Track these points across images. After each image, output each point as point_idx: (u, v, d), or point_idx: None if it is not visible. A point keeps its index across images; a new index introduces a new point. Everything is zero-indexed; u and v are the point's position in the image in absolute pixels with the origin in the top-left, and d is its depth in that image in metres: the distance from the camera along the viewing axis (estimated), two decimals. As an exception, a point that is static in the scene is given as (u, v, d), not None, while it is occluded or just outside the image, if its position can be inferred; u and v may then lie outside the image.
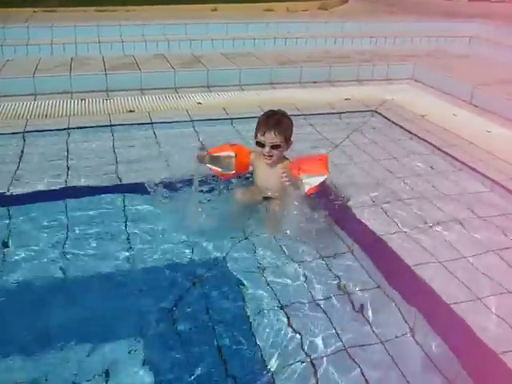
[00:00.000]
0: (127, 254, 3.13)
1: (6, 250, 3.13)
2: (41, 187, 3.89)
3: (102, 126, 5.05)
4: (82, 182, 3.98)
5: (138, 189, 3.84)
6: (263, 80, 6.80)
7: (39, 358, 2.38)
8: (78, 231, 3.33)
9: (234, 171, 3.63)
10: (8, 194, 3.82)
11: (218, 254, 3.14)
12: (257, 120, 3.51)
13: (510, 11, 10.96)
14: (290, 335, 2.53)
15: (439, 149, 4.72)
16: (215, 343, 2.47)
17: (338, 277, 2.96)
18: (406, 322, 2.65)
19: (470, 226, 3.51)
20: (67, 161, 4.34)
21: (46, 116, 5.42)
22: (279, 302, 2.76)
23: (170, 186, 3.86)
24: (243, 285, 2.88)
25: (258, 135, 3.43)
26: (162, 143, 4.78)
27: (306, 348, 2.47)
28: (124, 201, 3.71)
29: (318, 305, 2.74)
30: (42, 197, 3.76)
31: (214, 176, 3.80)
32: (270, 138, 3.37)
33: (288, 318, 2.64)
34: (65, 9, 9.73)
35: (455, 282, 2.93)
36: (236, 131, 5.08)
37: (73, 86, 6.22)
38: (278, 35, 8.39)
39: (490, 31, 8.70)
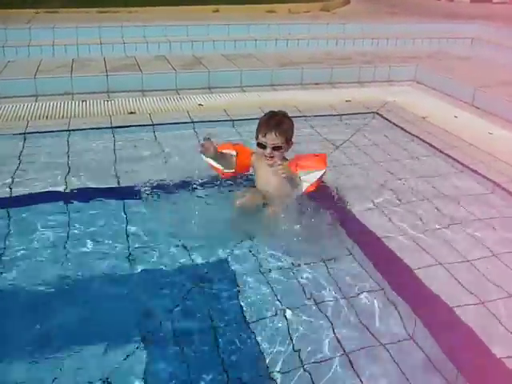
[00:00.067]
0: (127, 256, 3.12)
1: (4, 251, 3.12)
2: (41, 189, 3.89)
3: (103, 128, 5.04)
4: (83, 184, 3.98)
5: (138, 191, 3.83)
6: (264, 81, 6.81)
7: (38, 361, 2.38)
8: (77, 233, 3.32)
9: (234, 170, 3.63)
10: (8, 195, 3.81)
11: (219, 257, 3.13)
12: (258, 121, 3.51)
13: (511, 12, 10.94)
14: (290, 338, 2.52)
15: (440, 151, 4.71)
16: (216, 345, 2.47)
17: (338, 278, 2.96)
18: (407, 324, 2.64)
19: (472, 228, 3.50)
20: (68, 162, 4.34)
21: (47, 117, 5.42)
22: (280, 304, 2.75)
23: (170, 187, 3.85)
24: (244, 287, 2.87)
25: (259, 136, 3.42)
26: (163, 145, 4.77)
27: (306, 351, 2.45)
28: (124, 203, 3.70)
29: (319, 307, 2.74)
30: (42, 198, 3.75)
31: (214, 178, 3.80)
32: (271, 139, 3.37)
33: (289, 320, 2.64)
34: (67, 10, 9.76)
35: (456, 284, 2.91)
36: (237, 133, 5.07)
37: (74, 87, 6.23)
38: (280, 36, 8.39)
39: (491, 33, 8.69)
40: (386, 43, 8.59)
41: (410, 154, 4.75)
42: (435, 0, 14.15)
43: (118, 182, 4.02)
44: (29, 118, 5.34)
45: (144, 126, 5.14)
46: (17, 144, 4.67)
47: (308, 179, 3.51)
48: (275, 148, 3.39)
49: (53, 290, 2.84)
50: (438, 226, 3.51)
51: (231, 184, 3.82)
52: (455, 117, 5.75)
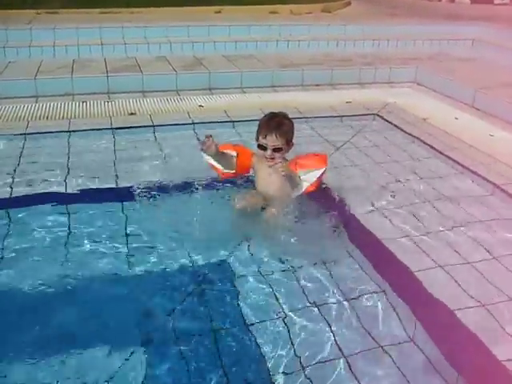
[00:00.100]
0: (127, 258, 3.12)
1: (3, 252, 3.12)
2: (40, 189, 3.89)
3: (103, 129, 5.03)
4: (83, 185, 3.98)
5: (137, 192, 3.82)
6: (265, 83, 6.80)
7: (38, 362, 2.37)
8: (77, 234, 3.32)
9: (234, 171, 3.63)
10: (8, 195, 3.81)
11: (219, 259, 3.12)
12: (258, 122, 3.51)
13: (513, 14, 10.95)
14: (291, 340, 2.52)
15: (441, 152, 4.70)
16: (216, 348, 2.46)
17: (338, 281, 2.95)
18: (407, 326, 2.63)
19: (472, 230, 3.49)
20: (68, 163, 4.34)
21: (47, 118, 5.42)
22: (281, 306, 2.74)
23: (170, 188, 3.85)
24: (244, 289, 2.87)
25: (260, 138, 3.42)
26: (163, 146, 4.77)
27: (307, 354, 2.45)
28: (124, 204, 3.70)
29: (319, 310, 2.73)
30: (41, 199, 3.75)
31: (214, 179, 3.80)
32: (272, 140, 3.37)
33: (289, 323, 2.63)
34: (67, 10, 9.76)
35: (457, 286, 2.90)
36: (237, 134, 5.07)
37: (74, 88, 6.23)
38: (281, 38, 8.40)
39: (492, 34, 8.68)
40: (387, 44, 8.58)
41: (410, 155, 4.74)
42: (436, 1, 14.15)
43: (118, 183, 4.02)
44: (29, 119, 5.34)
45: (144, 127, 5.14)
46: (17, 144, 4.66)
47: (308, 178, 3.51)
48: (276, 150, 3.39)
49: (52, 291, 2.83)
50: (438, 228, 3.50)
51: (231, 185, 3.82)
52: (456, 118, 5.74)
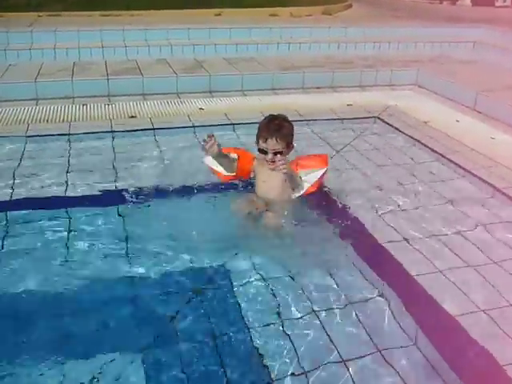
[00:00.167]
0: (126, 262, 3.10)
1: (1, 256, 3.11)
2: (40, 193, 3.88)
3: (103, 132, 5.02)
4: (82, 188, 3.96)
5: (137, 195, 3.81)
6: (265, 85, 6.79)
7: (35, 370, 2.35)
8: (76, 239, 3.30)
9: (234, 173, 3.62)
10: (7, 198, 3.80)
11: (218, 263, 3.10)
12: (258, 126, 3.50)
13: (514, 16, 10.94)
14: (289, 346, 2.50)
15: (442, 155, 4.68)
16: (215, 355, 2.44)
17: (338, 287, 2.93)
18: (408, 330, 2.61)
19: (473, 233, 3.48)
20: (68, 166, 4.33)
21: (48, 121, 5.42)
22: (281, 311, 2.73)
23: (170, 192, 3.84)
24: (244, 294, 2.85)
25: (260, 142, 3.41)
26: (164, 149, 4.75)
27: (307, 358, 2.43)
28: (124, 207, 3.69)
29: (318, 316, 2.71)
30: (41, 203, 3.74)
31: (214, 183, 3.78)
32: (272, 144, 3.36)
33: (289, 327, 2.61)
34: (69, 13, 9.78)
35: (457, 289, 2.89)
36: (237, 137, 5.06)
37: (74, 90, 6.23)
38: (281, 40, 8.40)
39: (494, 36, 8.68)
40: (388, 47, 8.58)
41: (411, 158, 4.73)
42: (437, 4, 14.16)
43: (118, 187, 3.99)
44: (29, 122, 5.33)
45: (145, 130, 5.13)
46: (17, 147, 4.65)
47: (309, 179, 3.51)
48: (276, 153, 3.38)
49: (50, 294, 2.82)
50: (439, 232, 3.48)
51: (231, 190, 3.80)
52: (457, 121, 5.73)
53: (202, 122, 5.31)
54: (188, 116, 5.55)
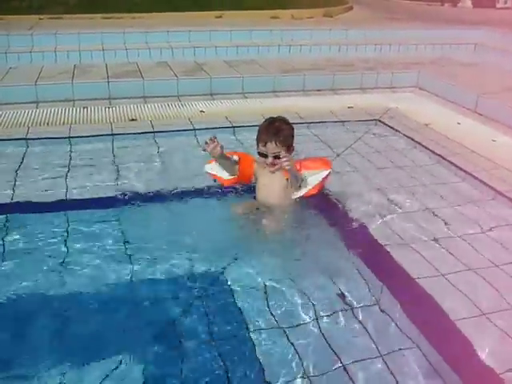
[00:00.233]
0: (124, 267, 3.08)
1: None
2: (39, 196, 3.86)
3: (104, 135, 5.01)
4: (82, 192, 3.95)
5: (137, 199, 3.80)
6: (266, 88, 6.78)
7: (35, 372, 2.34)
8: (73, 244, 3.29)
9: (236, 176, 3.61)
10: (8, 201, 3.79)
11: (217, 268, 3.08)
12: (258, 129, 3.49)
13: (515, 18, 10.92)
14: (289, 351, 2.48)
15: (443, 158, 4.67)
16: (215, 360, 2.42)
17: (339, 291, 2.91)
18: (409, 334, 2.60)
19: (474, 237, 3.46)
20: (67, 170, 4.32)
21: (48, 124, 5.41)
22: (280, 316, 2.71)
23: (170, 196, 3.83)
24: (242, 300, 2.83)
25: (260, 146, 3.41)
26: (164, 152, 4.75)
27: (307, 363, 2.41)
28: (123, 211, 3.67)
29: (319, 319, 2.69)
30: (40, 206, 3.73)
31: (215, 187, 3.78)
32: (272, 148, 3.35)
33: (288, 332, 2.59)
34: (70, 16, 9.78)
35: (458, 292, 2.88)
36: (238, 140, 5.04)
37: (75, 93, 6.22)
38: (282, 42, 8.39)
39: (495, 38, 8.67)
40: (389, 49, 8.56)
41: (412, 161, 4.71)
42: (438, 6, 14.15)
43: (118, 190, 3.97)
44: (29, 125, 5.32)
45: (145, 133, 5.12)
46: (17, 150, 4.65)
47: (311, 181, 3.50)
48: (276, 157, 3.37)
49: (49, 297, 2.82)
50: (440, 235, 3.47)
51: (231, 194, 3.79)
52: (458, 123, 5.71)
53: (202, 125, 5.29)
54: (189, 119, 5.54)
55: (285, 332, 2.60)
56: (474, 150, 4.80)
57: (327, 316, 2.72)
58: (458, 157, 4.65)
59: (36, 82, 6.25)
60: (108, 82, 6.39)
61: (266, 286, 2.94)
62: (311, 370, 2.38)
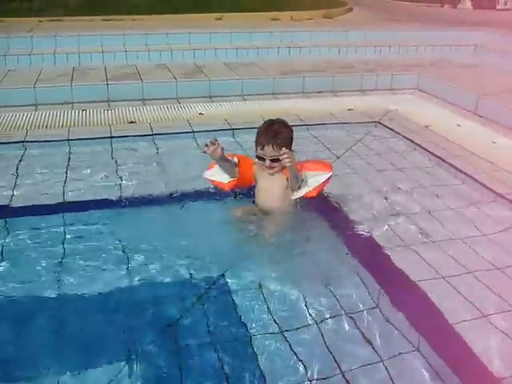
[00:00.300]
0: (123, 271, 3.06)
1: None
2: (37, 199, 3.85)
3: (103, 138, 5.00)
4: (80, 195, 3.94)
5: (136, 202, 3.79)
6: (266, 90, 6.77)
7: (34, 375, 2.33)
8: (72, 246, 3.27)
9: (236, 178, 3.59)
10: (5, 204, 3.78)
11: (216, 273, 3.05)
12: (256, 131, 3.48)
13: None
14: (289, 354, 2.47)
15: (443, 160, 4.65)
16: (214, 364, 2.41)
17: (338, 294, 2.89)
18: (410, 338, 2.58)
19: (474, 239, 3.44)
20: (66, 172, 4.31)
21: (47, 126, 5.39)
22: (278, 319, 2.69)
23: (169, 199, 3.82)
24: (242, 305, 2.81)
25: (258, 149, 3.40)
26: (163, 155, 4.73)
27: (307, 369, 2.39)
28: (122, 214, 3.66)
29: (319, 324, 2.67)
30: (39, 209, 3.72)
31: (214, 190, 3.76)
32: (269, 151, 3.33)
33: (288, 337, 2.57)
34: (70, 18, 9.78)
35: (459, 296, 2.86)
36: (237, 142, 5.03)
37: (74, 96, 6.21)
38: (282, 44, 8.39)
39: (495, 40, 8.67)
40: (389, 51, 8.55)
41: (412, 163, 4.70)
42: (438, 7, 14.15)
43: (117, 193, 3.96)
44: (28, 127, 5.31)
45: (144, 135, 5.10)
46: (16, 153, 4.63)
47: (311, 183, 3.49)
48: (274, 160, 3.35)
49: (47, 300, 2.81)
50: (440, 237, 3.45)
51: (231, 197, 3.76)
52: (458, 125, 5.70)
53: (201, 127, 5.28)
54: (188, 121, 5.52)
55: (284, 336, 2.58)
56: (474, 152, 4.78)
57: (327, 319, 2.70)
58: (458, 159, 4.64)
59: (35, 84, 6.24)
60: (107, 84, 6.38)
61: (265, 289, 2.92)
62: (311, 374, 2.36)
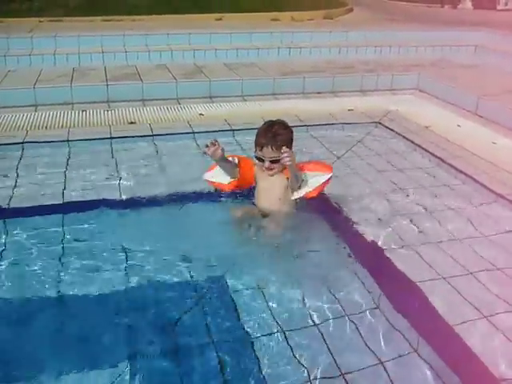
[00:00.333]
0: (122, 272, 3.06)
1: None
2: (37, 200, 3.85)
3: (103, 138, 5.00)
4: (80, 196, 3.93)
5: (136, 203, 3.78)
6: (266, 91, 6.76)
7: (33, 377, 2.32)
8: (71, 248, 3.27)
9: (237, 178, 3.59)
10: (6, 205, 3.77)
11: (215, 274, 3.04)
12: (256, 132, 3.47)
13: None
14: (289, 356, 2.46)
15: (443, 161, 4.64)
16: (214, 364, 2.40)
17: (339, 295, 2.88)
18: (410, 340, 2.57)
19: (475, 240, 3.44)
20: (65, 173, 4.30)
21: (46, 127, 5.38)
22: (278, 321, 2.68)
23: (169, 200, 3.81)
24: (241, 306, 2.80)
25: (257, 150, 3.39)
26: (163, 155, 4.73)
27: (307, 370, 2.39)
28: (121, 215, 3.65)
29: (319, 326, 2.66)
30: (38, 210, 3.71)
31: (214, 190, 3.76)
32: (268, 152, 3.33)
33: (288, 339, 2.57)
34: (70, 18, 9.78)
35: (459, 297, 2.86)
36: (238, 143, 5.02)
37: (74, 96, 6.20)
38: (282, 45, 8.38)
39: (495, 40, 8.67)
40: (389, 51, 8.55)
41: (412, 163, 4.69)
42: (438, 7, 14.15)
43: (116, 194, 3.96)
44: (28, 128, 5.30)
45: (144, 136, 5.09)
46: (15, 154, 4.63)
47: (311, 183, 3.48)
48: (273, 161, 3.35)
49: (46, 302, 2.80)
50: (440, 238, 3.45)
51: (231, 198, 3.76)
52: (458, 126, 5.69)
53: (201, 128, 5.27)
54: (188, 122, 5.52)
55: (284, 336, 2.58)
56: (475, 153, 4.78)
57: (327, 320, 2.69)
58: (459, 159, 4.63)
59: (35, 85, 6.23)
60: (107, 85, 6.38)
61: (265, 289, 2.91)
62: (311, 374, 2.36)
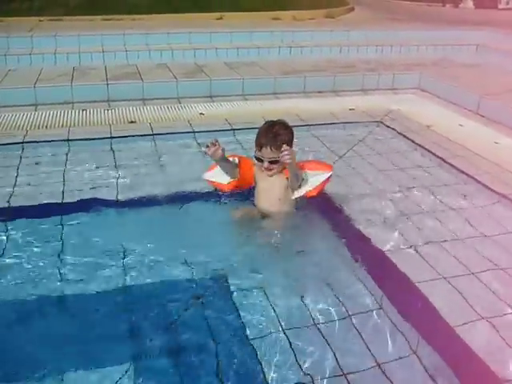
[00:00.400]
0: (122, 272, 3.04)
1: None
2: (37, 200, 3.83)
3: (103, 138, 4.98)
4: (80, 196, 3.92)
5: (136, 202, 3.77)
6: (267, 90, 6.75)
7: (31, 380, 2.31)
8: (71, 247, 3.25)
9: (237, 178, 3.57)
10: (5, 206, 3.76)
11: (215, 274, 3.03)
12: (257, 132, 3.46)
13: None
14: (290, 356, 2.45)
15: (445, 160, 4.63)
16: (214, 364, 2.40)
17: (339, 295, 2.87)
18: (410, 341, 2.55)
19: (475, 240, 3.42)
20: (65, 173, 4.28)
21: (46, 127, 5.37)
22: (279, 321, 2.67)
23: (169, 199, 3.80)
24: (242, 305, 2.79)
25: (256, 150, 3.38)
26: (163, 155, 4.71)
27: (307, 371, 2.37)
28: (121, 215, 3.65)
29: (319, 326, 2.65)
30: (38, 210, 3.69)
31: (214, 190, 3.74)
32: (267, 153, 3.32)
33: (288, 339, 2.55)
34: (70, 18, 9.78)
35: (459, 297, 2.84)
36: (238, 142, 5.00)
37: (74, 96, 6.19)
38: (283, 44, 8.38)
39: (497, 39, 8.66)
40: (390, 50, 8.54)
41: (413, 163, 4.67)
42: (440, 7, 14.13)
43: (116, 194, 3.95)
44: (28, 128, 5.29)
45: (144, 135, 5.08)
46: (15, 154, 4.61)
47: (311, 182, 3.46)
48: (272, 162, 3.34)
49: (44, 303, 2.79)
50: (442, 238, 3.43)
51: (231, 198, 3.74)
52: (460, 125, 5.67)
53: (202, 127, 5.26)
54: (188, 121, 5.50)
55: (285, 336, 2.57)
56: (477, 153, 4.76)
57: (327, 321, 2.68)
58: (460, 159, 4.61)
59: (35, 84, 6.23)
60: (107, 84, 6.37)
61: (265, 289, 2.90)
62: (311, 375, 2.34)
